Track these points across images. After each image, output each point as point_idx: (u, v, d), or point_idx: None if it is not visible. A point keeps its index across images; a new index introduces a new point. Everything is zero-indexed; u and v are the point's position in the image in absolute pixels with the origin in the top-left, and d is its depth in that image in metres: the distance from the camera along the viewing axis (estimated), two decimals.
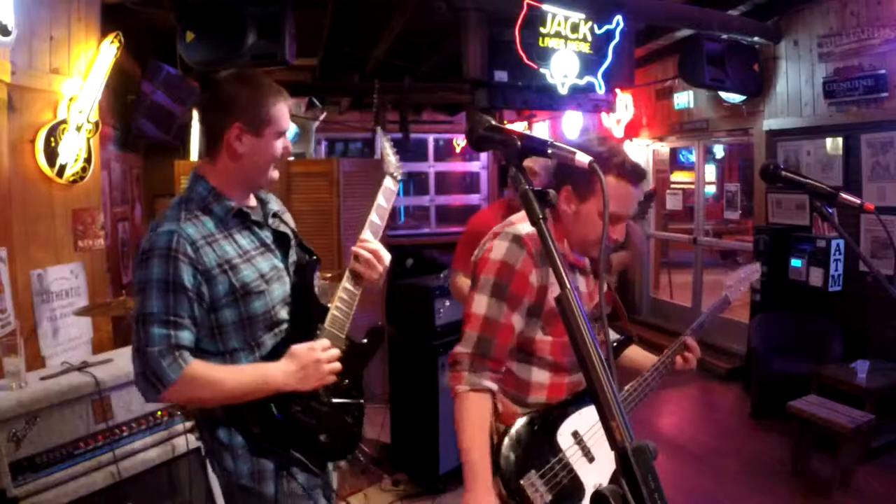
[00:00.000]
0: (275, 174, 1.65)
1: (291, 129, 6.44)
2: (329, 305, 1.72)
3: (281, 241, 1.71)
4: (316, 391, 1.64)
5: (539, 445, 1.71)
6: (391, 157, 1.88)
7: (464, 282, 2.83)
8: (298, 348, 1.59)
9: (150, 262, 1.48)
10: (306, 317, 1.68)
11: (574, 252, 1.80)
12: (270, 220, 1.71)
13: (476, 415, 1.66)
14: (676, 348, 1.91)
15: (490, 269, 1.68)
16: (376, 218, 1.80)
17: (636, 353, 2.01)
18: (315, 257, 1.78)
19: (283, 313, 1.65)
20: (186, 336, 1.49)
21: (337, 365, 1.65)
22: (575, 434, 1.74)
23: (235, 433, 1.61)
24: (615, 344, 2.00)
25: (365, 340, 1.81)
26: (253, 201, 1.70)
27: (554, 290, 1.72)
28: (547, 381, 1.76)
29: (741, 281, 2.11)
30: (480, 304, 1.67)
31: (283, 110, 1.62)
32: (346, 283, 1.75)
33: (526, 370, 1.77)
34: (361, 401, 1.77)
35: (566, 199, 1.72)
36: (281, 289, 1.65)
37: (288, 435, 1.62)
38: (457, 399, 1.68)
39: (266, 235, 1.68)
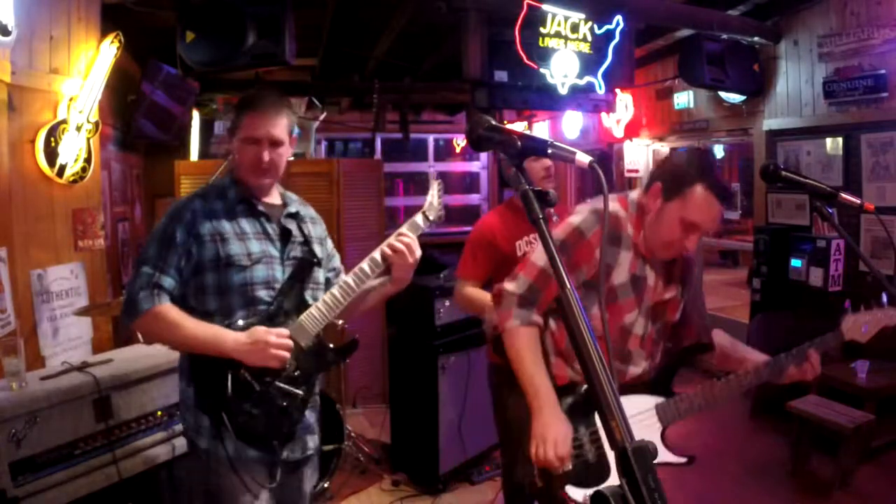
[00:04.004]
0: (256, 178, 1.87)
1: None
2: (311, 304, 1.88)
3: (285, 236, 1.92)
4: (265, 370, 1.78)
5: (574, 413, 1.75)
6: (434, 201, 2.01)
7: (471, 291, 2.58)
8: (258, 327, 1.77)
9: (160, 222, 1.83)
10: (286, 307, 1.86)
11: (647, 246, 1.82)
12: (283, 219, 1.94)
13: (532, 344, 1.77)
14: (796, 356, 1.86)
15: (564, 229, 1.78)
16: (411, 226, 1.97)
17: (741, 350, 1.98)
18: (315, 260, 1.96)
19: (263, 295, 1.84)
20: (168, 282, 1.77)
21: (283, 353, 1.77)
22: None
23: (188, 386, 1.83)
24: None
25: (332, 346, 1.94)
26: (278, 199, 1.98)
27: (619, 272, 1.79)
28: None
29: (869, 322, 1.93)
30: (542, 256, 1.77)
31: (252, 120, 1.84)
32: (347, 276, 1.89)
33: None
34: (301, 393, 1.87)
35: (654, 195, 1.76)
36: (265, 272, 1.84)
37: (225, 397, 1.76)
38: (508, 334, 1.78)
39: (272, 227, 1.91)
